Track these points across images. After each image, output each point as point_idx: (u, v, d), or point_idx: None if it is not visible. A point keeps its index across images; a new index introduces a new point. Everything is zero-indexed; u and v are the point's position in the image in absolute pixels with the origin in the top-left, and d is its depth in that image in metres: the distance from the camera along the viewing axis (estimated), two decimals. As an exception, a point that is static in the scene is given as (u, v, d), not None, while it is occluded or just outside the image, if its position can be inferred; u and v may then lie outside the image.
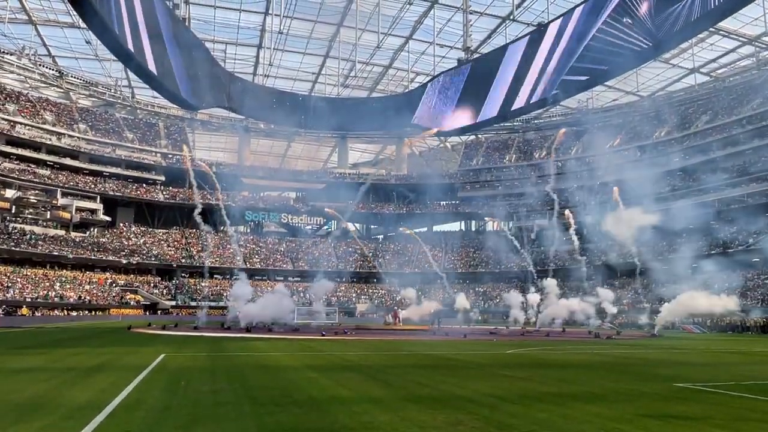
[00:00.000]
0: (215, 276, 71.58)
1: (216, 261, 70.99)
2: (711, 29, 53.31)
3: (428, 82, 62.48)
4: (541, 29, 50.44)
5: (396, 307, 60.13)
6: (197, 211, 52.42)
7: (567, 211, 57.60)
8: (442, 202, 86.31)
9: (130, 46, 40.75)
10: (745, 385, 11.71)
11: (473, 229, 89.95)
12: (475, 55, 62.95)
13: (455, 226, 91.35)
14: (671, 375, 13.46)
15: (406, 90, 73.24)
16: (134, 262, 65.26)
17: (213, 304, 63.26)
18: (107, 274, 63.89)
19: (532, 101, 51.39)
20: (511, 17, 58.41)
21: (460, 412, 8.15)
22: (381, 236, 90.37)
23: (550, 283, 50.00)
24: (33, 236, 59.74)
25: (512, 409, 8.46)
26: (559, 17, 48.86)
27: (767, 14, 51.81)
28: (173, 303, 63.13)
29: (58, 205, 64.66)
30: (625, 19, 41.24)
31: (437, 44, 64.95)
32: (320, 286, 52.58)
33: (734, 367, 16.38)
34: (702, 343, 29.08)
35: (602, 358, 18.40)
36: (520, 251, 62.75)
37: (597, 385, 11.46)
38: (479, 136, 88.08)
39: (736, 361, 18.28)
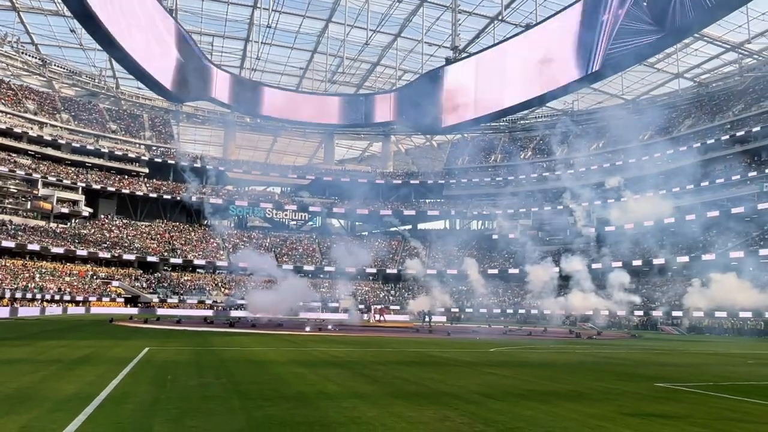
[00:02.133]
0: (198, 270, 71.16)
1: (199, 255, 70.61)
2: (695, 35, 54.11)
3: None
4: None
5: (381, 305, 60.23)
6: None
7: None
8: (426, 200, 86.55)
9: (116, 37, 40.40)
10: (723, 386, 12.00)
11: (458, 227, 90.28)
12: (463, 55, 63.29)
13: (440, 224, 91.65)
14: (651, 375, 13.72)
15: (394, 88, 73.39)
16: (116, 255, 64.61)
17: (195, 298, 62.92)
18: (88, 266, 63.20)
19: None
20: (500, 18, 58.75)
21: (447, 408, 8.27)
22: (366, 233, 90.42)
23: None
24: (13, 227, 58.89)
25: (498, 405, 8.60)
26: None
27: (750, 22, 52.64)
28: (155, 296, 62.59)
29: (39, 195, 63.83)
30: None
31: (426, 42, 65.14)
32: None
33: (712, 368, 16.73)
34: (680, 344, 29.60)
35: (584, 358, 18.68)
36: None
37: (580, 383, 11.67)
38: (465, 135, 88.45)
39: (713, 362, 18.65)
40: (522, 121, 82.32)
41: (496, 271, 69.99)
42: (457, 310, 63.53)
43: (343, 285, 67.01)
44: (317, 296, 64.96)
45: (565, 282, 56.51)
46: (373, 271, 72.93)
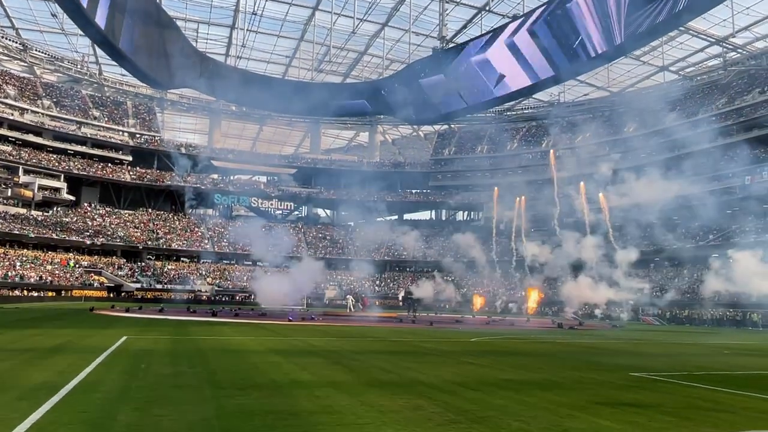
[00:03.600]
0: (182, 259, 70.69)
1: (183, 244, 70.13)
2: (681, 28, 54.38)
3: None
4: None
5: (364, 294, 60.19)
6: None
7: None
8: (413, 191, 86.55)
9: (98, 21, 39.76)
10: (697, 375, 12.14)
11: (443, 218, 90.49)
12: (450, 45, 63.10)
13: (426, 215, 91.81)
14: (627, 364, 13.85)
15: (381, 77, 73.07)
16: (99, 243, 63.94)
17: (179, 287, 62.49)
18: (70, 254, 62.49)
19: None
20: (487, 8, 58.61)
21: (421, 397, 8.25)
22: (351, 223, 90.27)
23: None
24: (-7, 214, 58.03)
25: (471, 395, 8.60)
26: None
27: (735, 16, 52.99)
28: (138, 285, 62.13)
29: (20, 182, 62.91)
30: None
31: (413, 32, 64.81)
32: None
33: (688, 358, 16.93)
34: (660, 334, 29.94)
35: (563, 348, 18.81)
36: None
37: (555, 373, 11.72)
38: (452, 126, 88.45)
39: (690, 353, 18.87)
40: (508, 113, 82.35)
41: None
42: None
43: (328, 275, 67.00)
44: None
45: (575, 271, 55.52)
46: (362, 260, 72.73)
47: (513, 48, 54.33)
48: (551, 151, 67.24)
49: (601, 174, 59.05)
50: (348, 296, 53.42)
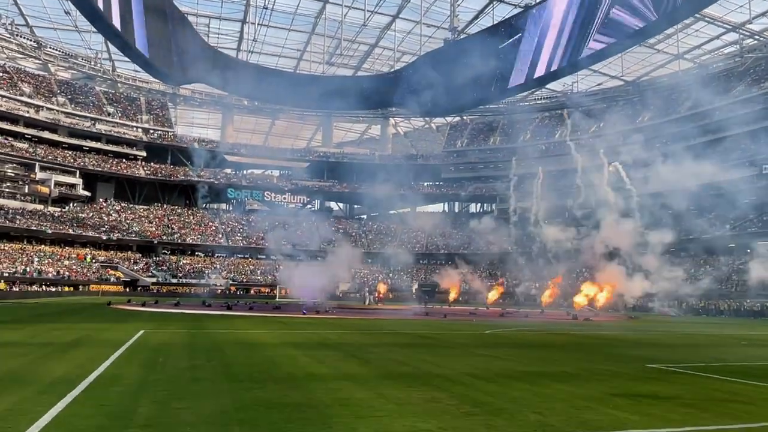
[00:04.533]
0: (197, 253, 71.23)
1: (198, 238, 70.65)
2: (696, 15, 53.55)
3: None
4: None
5: (377, 287, 60.19)
6: None
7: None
8: (425, 183, 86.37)
9: (112, 19, 39.99)
10: (714, 367, 12.03)
11: (456, 210, 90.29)
12: (462, 36, 62.64)
13: (439, 207, 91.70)
14: (644, 356, 13.74)
15: (392, 69, 72.73)
16: (114, 238, 64.63)
17: (194, 281, 63.03)
18: (87, 249, 63.24)
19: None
20: (499, -2, 58.12)
21: (437, 389, 8.26)
22: (364, 216, 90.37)
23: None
24: (10, 210, 58.82)
25: (487, 387, 8.59)
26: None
27: (751, 2, 52.10)
28: (153, 280, 62.74)
29: (37, 179, 63.70)
30: None
31: (424, 24, 64.50)
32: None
33: (705, 349, 16.78)
34: (676, 325, 29.68)
35: (578, 339, 18.72)
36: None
37: (571, 365, 11.68)
38: (464, 117, 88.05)
39: (706, 344, 18.71)
40: (521, 103, 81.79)
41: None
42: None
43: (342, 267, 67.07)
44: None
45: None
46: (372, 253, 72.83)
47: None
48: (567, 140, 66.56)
49: (624, 161, 57.97)
50: (365, 289, 53.57)
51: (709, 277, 51.25)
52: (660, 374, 10.66)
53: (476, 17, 64.02)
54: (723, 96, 59.53)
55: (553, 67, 51.39)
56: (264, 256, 71.87)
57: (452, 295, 53.28)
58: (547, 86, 73.20)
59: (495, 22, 58.72)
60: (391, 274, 73.26)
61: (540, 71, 52.17)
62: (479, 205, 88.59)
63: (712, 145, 57.77)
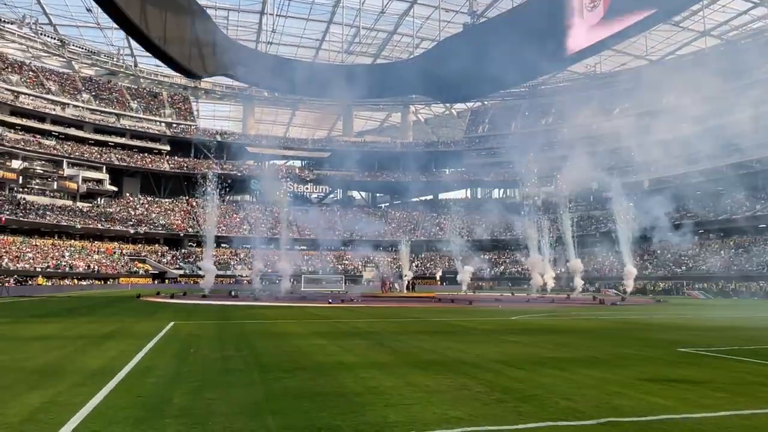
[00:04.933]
0: (222, 245, 71.96)
1: (223, 230, 71.37)
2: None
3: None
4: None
5: (404, 275, 60.16)
6: None
7: None
8: (447, 170, 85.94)
9: (132, 14, 40.29)
10: (747, 350, 11.81)
11: (479, 196, 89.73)
12: (482, 20, 61.89)
13: (461, 194, 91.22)
14: (674, 340, 13.56)
15: (411, 56, 72.21)
16: (142, 232, 65.71)
17: (221, 272, 63.66)
18: (115, 243, 64.42)
19: None
20: (518, -20, 57.18)
21: (465, 377, 8.27)
22: (386, 204, 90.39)
23: None
24: (41, 207, 60.12)
25: (516, 374, 8.58)
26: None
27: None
28: (181, 272, 63.67)
29: (65, 175, 64.93)
30: None
31: (442, 8, 63.88)
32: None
33: (736, 331, 16.49)
34: (706, 309, 29.21)
35: (606, 324, 18.55)
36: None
37: (600, 350, 11.59)
38: (485, 102, 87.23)
39: (738, 326, 18.38)
40: (542, 87, 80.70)
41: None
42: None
43: (365, 256, 67.26)
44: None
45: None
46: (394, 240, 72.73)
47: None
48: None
49: (648, 142, 56.89)
50: (405, 276, 53.33)
51: (741, 258, 50.29)
52: (692, 358, 10.52)
53: (495, 0, 63.20)
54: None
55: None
56: (288, 247, 72.18)
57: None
58: (568, 69, 72.11)
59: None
60: (415, 262, 73.22)
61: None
62: (502, 190, 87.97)
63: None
